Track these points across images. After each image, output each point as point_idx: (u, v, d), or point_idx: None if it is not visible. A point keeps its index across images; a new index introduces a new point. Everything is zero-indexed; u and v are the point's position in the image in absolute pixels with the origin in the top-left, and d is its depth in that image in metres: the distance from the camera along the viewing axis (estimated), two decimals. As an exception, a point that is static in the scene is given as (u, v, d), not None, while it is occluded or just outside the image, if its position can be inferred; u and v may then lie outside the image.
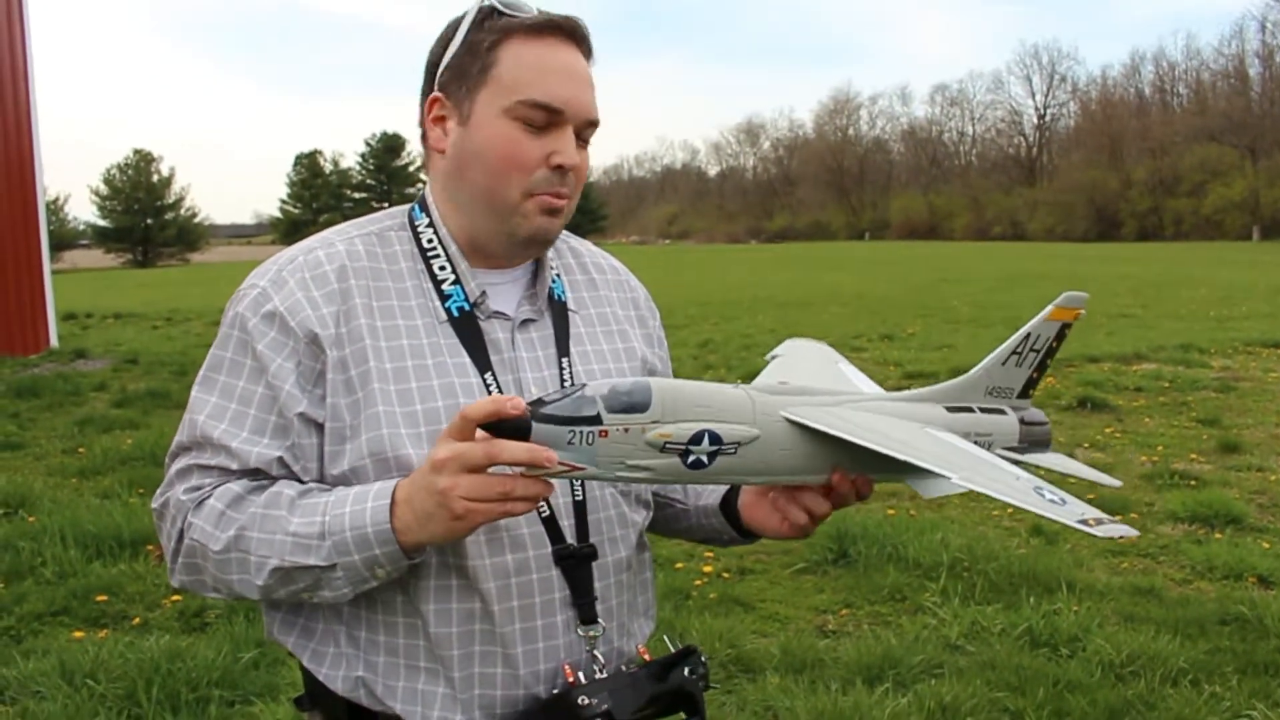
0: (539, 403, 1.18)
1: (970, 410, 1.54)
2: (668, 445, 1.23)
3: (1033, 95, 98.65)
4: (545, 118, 1.35)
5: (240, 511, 1.30)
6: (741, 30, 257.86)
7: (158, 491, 1.39)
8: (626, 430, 1.19)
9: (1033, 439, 1.60)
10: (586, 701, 1.31)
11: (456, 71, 1.38)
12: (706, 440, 1.25)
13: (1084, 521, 1.22)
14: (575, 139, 1.38)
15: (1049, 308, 1.61)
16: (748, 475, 1.32)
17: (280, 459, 1.34)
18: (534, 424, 1.16)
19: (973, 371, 1.57)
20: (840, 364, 1.68)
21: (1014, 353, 1.59)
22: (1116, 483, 1.71)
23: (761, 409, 1.31)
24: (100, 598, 4.63)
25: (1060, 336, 1.63)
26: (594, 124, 1.40)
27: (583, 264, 1.61)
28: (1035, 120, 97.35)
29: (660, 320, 1.70)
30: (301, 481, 1.35)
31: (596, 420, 1.18)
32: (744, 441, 1.28)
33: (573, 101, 1.36)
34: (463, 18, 1.40)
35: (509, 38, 1.36)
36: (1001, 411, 1.58)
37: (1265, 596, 4.60)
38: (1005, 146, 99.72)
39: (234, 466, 1.33)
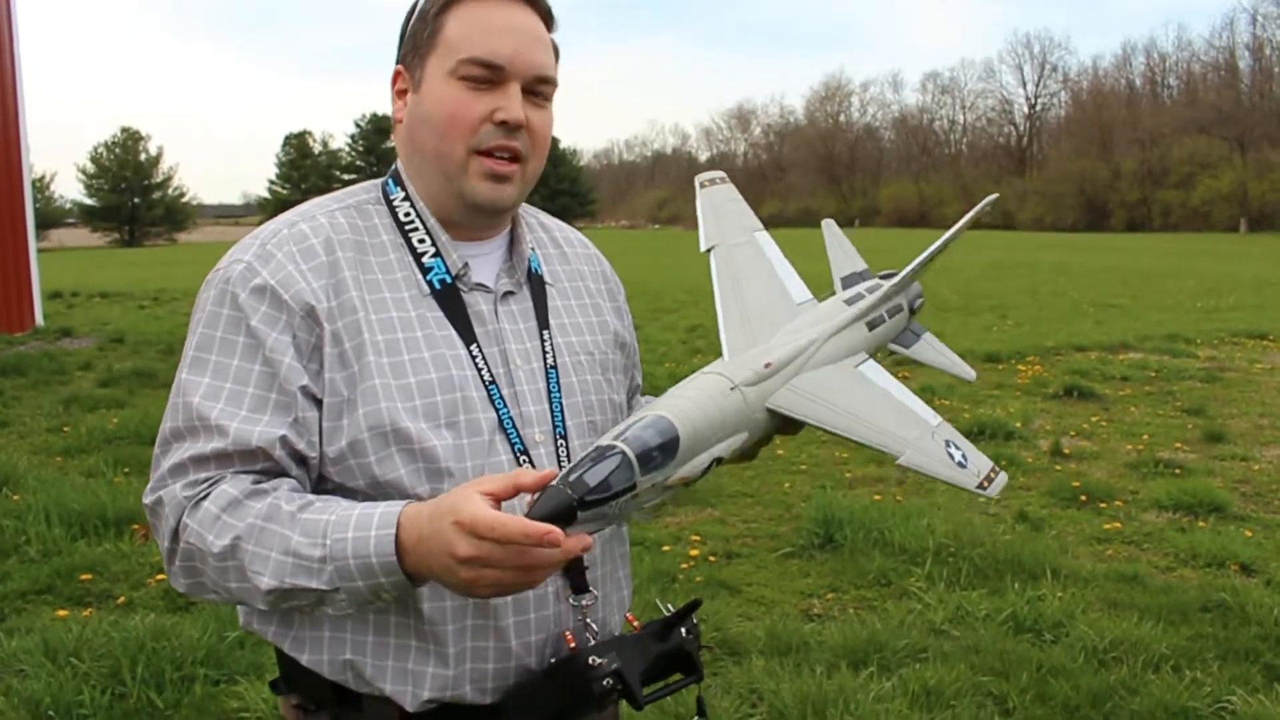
0: (580, 483, 1.15)
1: (882, 320, 1.64)
2: (683, 483, 1.23)
3: (1024, 84, 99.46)
4: (487, 74, 1.34)
5: (237, 517, 1.24)
6: (734, 15, 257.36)
7: (150, 486, 1.32)
8: (653, 485, 1.19)
9: (914, 310, 1.77)
10: (597, 662, 1.30)
11: (412, 43, 1.39)
12: (713, 464, 1.27)
13: (980, 485, 1.39)
14: (527, 96, 1.36)
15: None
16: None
17: (284, 438, 1.29)
18: (579, 512, 1.14)
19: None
20: (769, 255, 1.68)
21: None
22: (970, 374, 1.85)
23: (752, 406, 1.32)
24: (85, 576, 4.62)
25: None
26: (547, 81, 1.39)
27: (554, 238, 1.61)
28: (1026, 110, 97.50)
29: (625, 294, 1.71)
30: (303, 463, 1.32)
31: (632, 489, 1.17)
32: (737, 447, 1.30)
33: (516, 58, 1.35)
34: None
35: (458, 2, 1.36)
36: (899, 309, 1.70)
37: (1247, 584, 4.64)
38: (996, 135, 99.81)
39: (232, 449, 1.27)
